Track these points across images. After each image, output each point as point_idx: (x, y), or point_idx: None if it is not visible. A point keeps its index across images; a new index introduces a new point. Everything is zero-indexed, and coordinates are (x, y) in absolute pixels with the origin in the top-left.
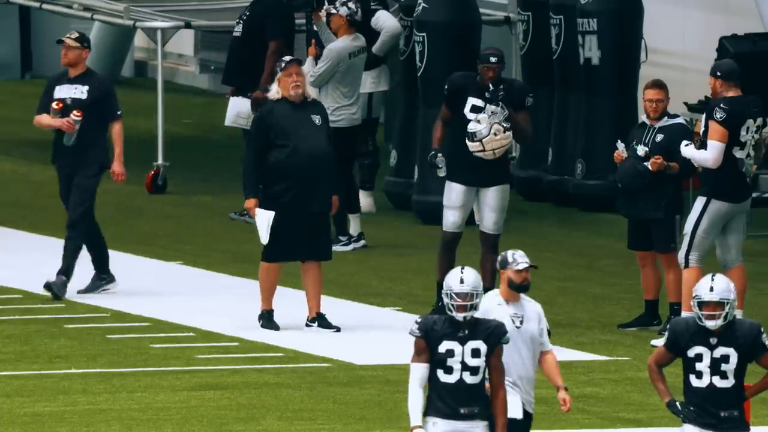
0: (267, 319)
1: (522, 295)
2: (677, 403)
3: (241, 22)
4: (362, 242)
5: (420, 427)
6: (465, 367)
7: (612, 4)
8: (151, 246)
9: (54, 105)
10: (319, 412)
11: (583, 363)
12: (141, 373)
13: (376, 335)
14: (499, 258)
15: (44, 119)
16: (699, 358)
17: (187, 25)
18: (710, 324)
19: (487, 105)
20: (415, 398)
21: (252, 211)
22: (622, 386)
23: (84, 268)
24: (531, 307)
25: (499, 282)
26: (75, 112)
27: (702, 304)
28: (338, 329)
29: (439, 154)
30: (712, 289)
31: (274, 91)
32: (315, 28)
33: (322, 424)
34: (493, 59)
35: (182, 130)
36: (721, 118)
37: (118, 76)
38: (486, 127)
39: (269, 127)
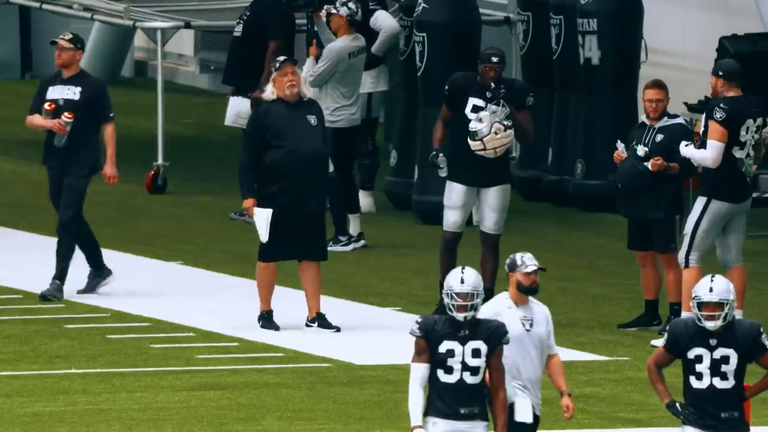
0: (267, 320)
1: (530, 297)
2: (677, 405)
3: (242, 22)
4: (362, 242)
5: (420, 427)
6: (465, 367)
7: (612, 4)
8: (151, 246)
9: (46, 106)
10: (319, 412)
11: (583, 363)
12: (141, 373)
13: (376, 335)
14: (508, 261)
15: (36, 120)
16: (699, 359)
17: (187, 25)
18: (709, 325)
19: (488, 104)
20: (416, 398)
21: (250, 210)
22: (622, 386)
23: (79, 268)
24: (539, 310)
25: (508, 285)
26: (66, 113)
27: (701, 305)
28: (338, 329)
29: (441, 154)
30: (711, 290)
31: (269, 92)
32: (316, 28)
33: (322, 424)
34: (494, 59)
35: (182, 130)
36: (720, 117)
37: (118, 76)
38: (487, 126)
39: (266, 127)
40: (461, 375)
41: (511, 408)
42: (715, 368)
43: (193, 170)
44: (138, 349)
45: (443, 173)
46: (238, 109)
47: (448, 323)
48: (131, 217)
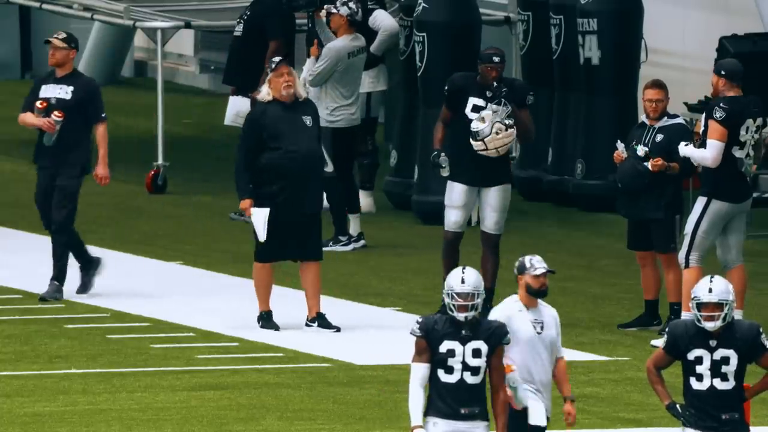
0: (266, 320)
1: (538, 300)
2: (677, 406)
3: (242, 21)
4: (362, 242)
5: (420, 427)
6: (466, 367)
7: (612, 4)
8: (151, 246)
9: (38, 104)
10: (319, 412)
11: (583, 363)
12: (141, 373)
13: (376, 335)
14: (517, 263)
15: (28, 118)
16: (699, 360)
17: (187, 25)
18: (709, 325)
19: (489, 104)
20: (416, 398)
21: (247, 211)
22: (622, 386)
23: (72, 268)
24: (548, 312)
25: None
26: (56, 112)
27: (701, 306)
28: (338, 329)
29: (442, 154)
30: (710, 291)
31: (265, 93)
32: (316, 27)
33: (322, 424)
34: (496, 58)
35: (182, 130)
36: (720, 117)
37: (118, 76)
38: (488, 126)
39: (262, 128)
40: (462, 375)
41: (525, 411)
42: (716, 369)
43: (193, 170)
44: (138, 349)
45: (445, 173)
46: (237, 108)
47: (448, 323)
48: (131, 217)
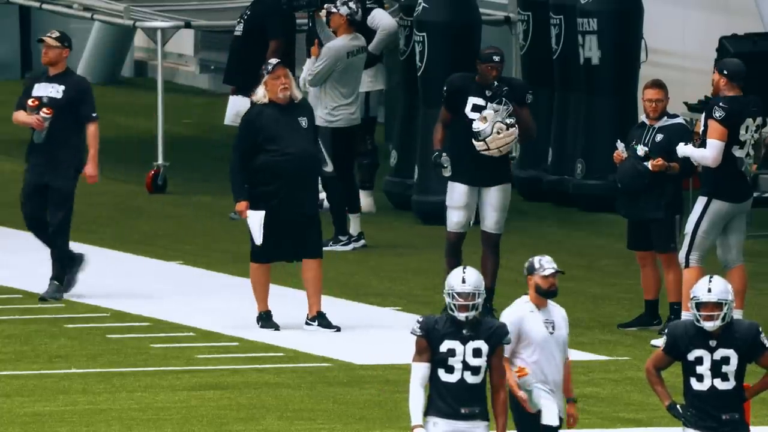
0: (265, 320)
1: (548, 300)
2: (678, 407)
3: (242, 21)
4: (362, 242)
5: (421, 426)
6: (466, 366)
7: (612, 4)
8: (151, 246)
9: (29, 102)
10: (319, 412)
11: (583, 363)
12: (141, 373)
13: (376, 335)
14: (526, 264)
15: (20, 116)
16: (699, 361)
17: (187, 25)
18: (708, 325)
19: (489, 103)
20: (416, 398)
21: (243, 213)
22: (622, 386)
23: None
24: (558, 312)
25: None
26: (44, 109)
27: (700, 305)
28: (338, 329)
29: (444, 154)
30: (710, 290)
31: (261, 95)
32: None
33: (322, 424)
34: (496, 58)
35: (182, 130)
36: (720, 116)
37: (118, 76)
38: (489, 126)
39: (258, 130)
40: (462, 374)
41: (538, 412)
42: (716, 369)
43: (193, 170)
44: (138, 349)
45: (447, 173)
46: (237, 108)
47: (449, 323)
48: (131, 217)
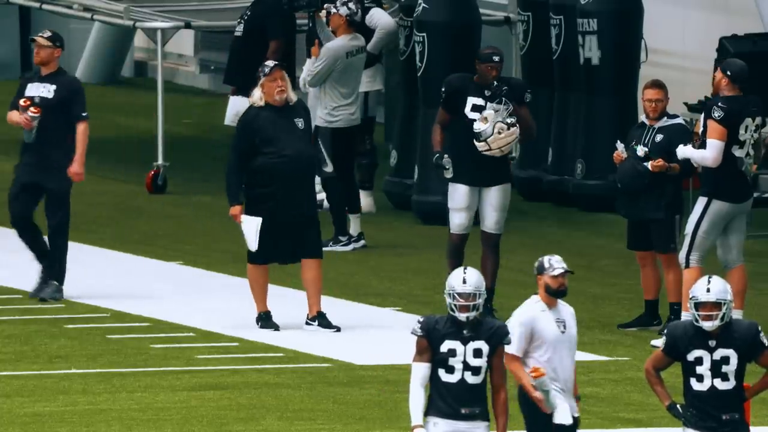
0: (265, 320)
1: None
2: (678, 407)
3: (242, 21)
4: (362, 242)
5: (421, 426)
6: (467, 366)
7: (612, 4)
8: (151, 246)
9: (21, 102)
10: (319, 412)
11: (583, 363)
12: (141, 373)
13: (376, 335)
14: (536, 264)
15: (13, 116)
16: (699, 361)
17: (187, 25)
18: (707, 325)
19: (488, 103)
20: (416, 398)
21: (237, 218)
22: (622, 386)
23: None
24: (567, 311)
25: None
26: (32, 108)
27: (699, 305)
28: (338, 329)
29: (445, 156)
30: (708, 290)
31: (257, 97)
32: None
33: (322, 424)
34: (496, 57)
35: (182, 130)
36: (719, 116)
37: (118, 76)
38: (490, 126)
39: (254, 132)
40: (462, 375)
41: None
42: (716, 369)
43: (193, 170)
44: (138, 349)
45: (449, 174)
46: (237, 108)
47: (449, 323)
48: (131, 217)
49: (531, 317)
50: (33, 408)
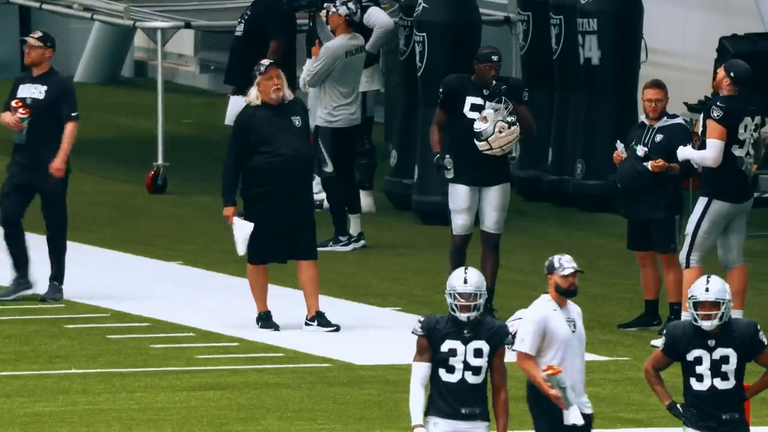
0: (265, 320)
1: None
2: (678, 406)
3: (243, 21)
4: (362, 242)
5: (421, 426)
6: (467, 366)
7: (612, 4)
8: (151, 246)
9: (13, 103)
10: (319, 412)
11: None
12: (141, 373)
13: (376, 335)
14: (546, 263)
15: (5, 117)
16: (699, 361)
17: (187, 25)
18: (706, 324)
19: (487, 102)
20: (417, 397)
21: (229, 219)
22: (622, 386)
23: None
24: (575, 310)
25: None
26: (21, 110)
27: (698, 305)
28: (338, 328)
29: (447, 156)
30: (707, 290)
31: (254, 96)
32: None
33: (322, 424)
34: (494, 57)
35: (182, 130)
36: (718, 116)
37: (118, 76)
38: (491, 125)
39: (251, 131)
40: (463, 374)
41: (558, 411)
42: (716, 369)
43: (193, 170)
44: (138, 349)
45: (450, 174)
46: (238, 108)
47: (450, 323)
48: (131, 217)
49: (544, 316)
50: (33, 408)
